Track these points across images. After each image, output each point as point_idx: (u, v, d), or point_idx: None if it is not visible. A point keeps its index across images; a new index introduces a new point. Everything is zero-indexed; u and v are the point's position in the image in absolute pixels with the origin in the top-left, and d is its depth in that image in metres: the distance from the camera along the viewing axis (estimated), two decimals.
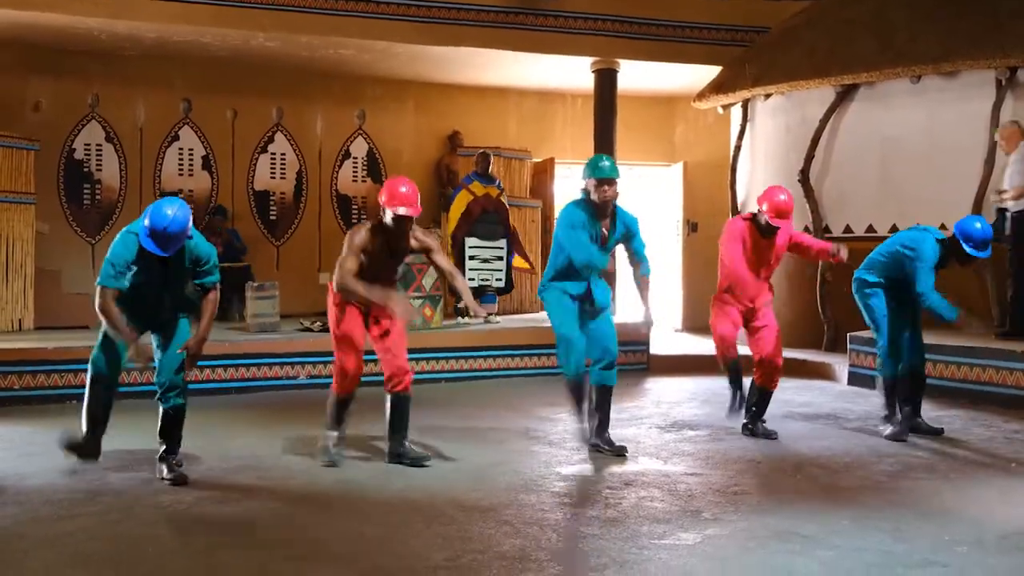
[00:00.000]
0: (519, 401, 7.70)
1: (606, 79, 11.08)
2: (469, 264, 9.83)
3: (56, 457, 5.25)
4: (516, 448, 5.97)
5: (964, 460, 5.65)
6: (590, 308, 5.75)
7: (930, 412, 6.66)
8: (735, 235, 6.19)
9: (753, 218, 6.17)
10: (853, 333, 8.66)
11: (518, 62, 10.98)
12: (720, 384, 6.93)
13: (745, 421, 6.33)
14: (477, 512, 4.47)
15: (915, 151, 9.15)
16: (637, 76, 11.47)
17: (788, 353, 9.24)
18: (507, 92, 12.46)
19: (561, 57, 10.75)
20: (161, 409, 5.08)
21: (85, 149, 10.88)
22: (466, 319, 9.84)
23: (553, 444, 6.04)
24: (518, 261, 10.30)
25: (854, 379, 8.54)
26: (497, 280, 9.93)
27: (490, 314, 9.99)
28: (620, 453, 5.69)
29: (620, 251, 6.13)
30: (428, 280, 9.28)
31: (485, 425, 6.74)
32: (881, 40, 9.52)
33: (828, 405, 7.57)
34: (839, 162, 9.87)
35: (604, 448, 5.72)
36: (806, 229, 9.65)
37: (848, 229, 9.71)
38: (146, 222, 4.80)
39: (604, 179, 5.57)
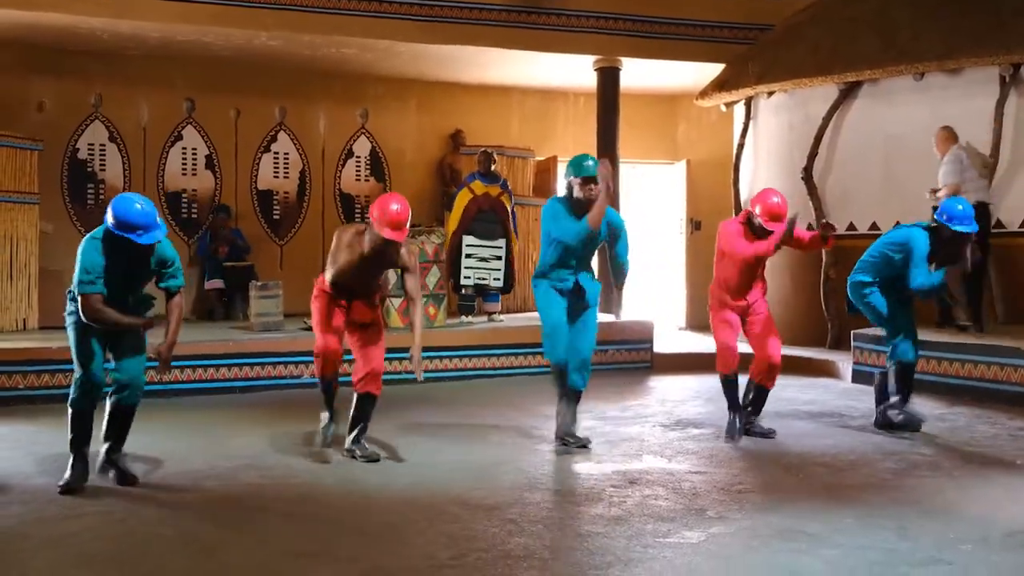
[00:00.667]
0: (522, 399, 7.70)
1: (608, 77, 11.07)
2: (466, 263, 9.81)
3: (60, 457, 5.25)
4: (519, 446, 5.97)
5: (969, 458, 5.64)
6: (578, 303, 5.81)
7: (935, 410, 6.66)
8: (733, 236, 6.15)
9: (747, 220, 6.15)
10: (857, 331, 8.65)
11: (521, 61, 10.97)
12: None
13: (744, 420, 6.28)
14: (481, 511, 4.47)
15: (918, 148, 9.13)
16: (640, 74, 11.46)
17: (793, 351, 9.29)
18: (510, 91, 12.46)
19: (563, 55, 10.74)
20: (114, 406, 4.98)
21: (89, 149, 10.89)
22: (469, 318, 9.84)
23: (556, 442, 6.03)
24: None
25: (858, 377, 8.53)
26: (495, 280, 9.92)
27: (492, 313, 10.00)
28: (583, 445, 5.80)
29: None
30: (432, 279, 9.29)
31: (488, 423, 6.74)
32: (884, 37, 9.51)
33: (832, 403, 7.56)
34: (842, 160, 9.86)
35: (570, 441, 5.83)
36: (809, 227, 9.64)
37: (852, 227, 9.70)
38: (110, 219, 4.73)
39: (589, 178, 5.63)
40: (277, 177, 11.71)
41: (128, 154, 11.04)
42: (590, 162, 5.70)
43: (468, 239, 9.83)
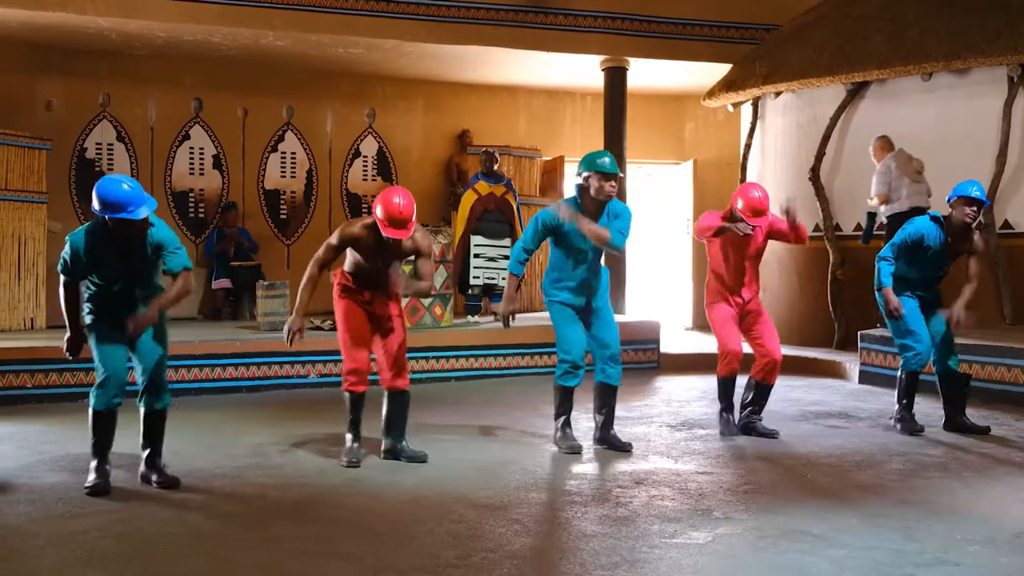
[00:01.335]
0: (529, 399, 7.69)
1: (616, 77, 11.08)
2: (474, 263, 9.82)
3: (68, 456, 5.27)
4: (526, 446, 5.97)
5: (976, 458, 5.63)
6: (589, 305, 5.74)
7: (941, 410, 6.64)
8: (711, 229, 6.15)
9: (730, 216, 6.12)
10: (864, 331, 8.64)
11: (528, 60, 10.97)
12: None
13: (743, 420, 6.29)
14: (488, 510, 4.47)
15: (926, 149, 9.11)
16: (647, 74, 11.46)
17: (799, 351, 9.28)
18: (517, 90, 12.46)
19: (571, 55, 10.75)
20: (144, 413, 4.96)
21: (96, 148, 10.92)
22: (475, 318, 9.85)
23: (553, 442, 6.02)
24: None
25: (865, 377, 8.52)
26: (503, 279, 9.93)
27: (496, 313, 10.00)
28: (626, 449, 5.74)
29: (627, 259, 6.12)
30: (438, 279, 9.29)
31: (495, 423, 6.75)
32: (892, 37, 9.49)
33: (839, 404, 7.55)
34: (850, 160, 9.85)
35: (612, 443, 5.78)
36: (816, 227, 9.63)
37: (859, 227, 9.68)
38: (96, 204, 4.68)
39: (610, 175, 5.52)
40: (284, 177, 11.73)
41: (136, 153, 11.07)
42: (607, 159, 5.58)
43: (476, 239, 9.83)
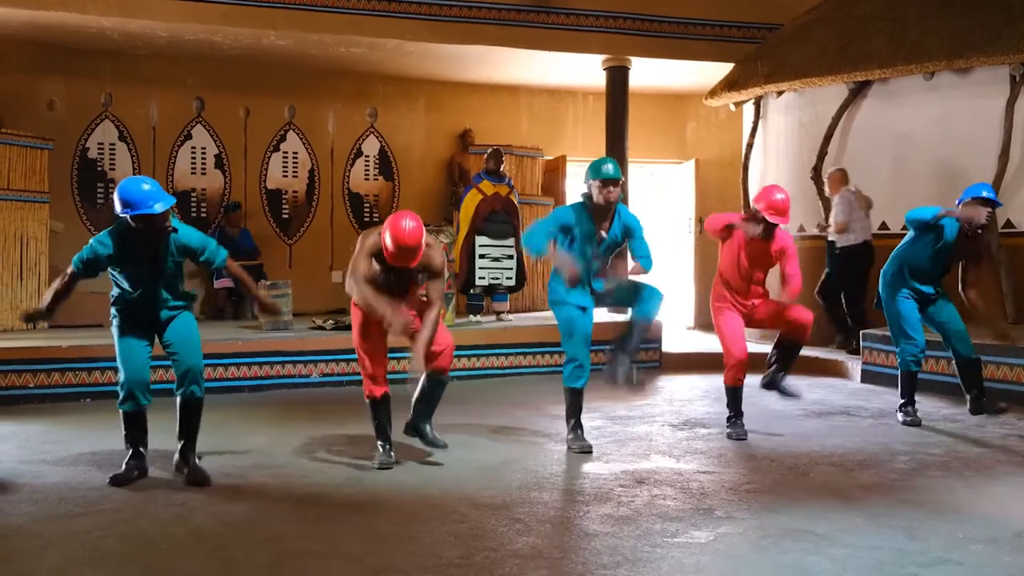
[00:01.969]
0: (531, 399, 7.70)
1: (617, 76, 11.07)
2: (479, 263, 9.81)
3: (70, 456, 5.28)
4: (528, 446, 5.98)
5: (979, 458, 5.62)
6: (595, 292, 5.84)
7: (944, 409, 6.65)
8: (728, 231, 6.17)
9: (752, 218, 6.13)
10: (866, 331, 8.63)
11: (529, 60, 10.98)
12: None
13: (767, 377, 6.42)
14: (490, 510, 4.47)
15: (928, 148, 9.12)
16: (649, 73, 11.46)
17: (802, 350, 9.27)
18: (518, 90, 12.46)
19: (572, 55, 10.75)
20: (180, 403, 5.03)
21: (99, 148, 10.93)
22: (477, 318, 9.84)
23: (565, 442, 6.02)
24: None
25: (867, 376, 8.51)
26: (508, 279, 9.93)
27: (500, 313, 10.00)
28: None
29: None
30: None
31: (497, 423, 6.75)
32: (894, 36, 9.48)
33: (841, 403, 7.55)
34: (852, 159, 9.84)
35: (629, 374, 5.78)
36: (818, 226, 9.63)
37: None
38: (119, 206, 4.75)
39: (609, 180, 5.61)
40: (286, 176, 11.74)
41: (138, 153, 11.08)
42: (609, 165, 5.67)
43: (480, 239, 9.83)
